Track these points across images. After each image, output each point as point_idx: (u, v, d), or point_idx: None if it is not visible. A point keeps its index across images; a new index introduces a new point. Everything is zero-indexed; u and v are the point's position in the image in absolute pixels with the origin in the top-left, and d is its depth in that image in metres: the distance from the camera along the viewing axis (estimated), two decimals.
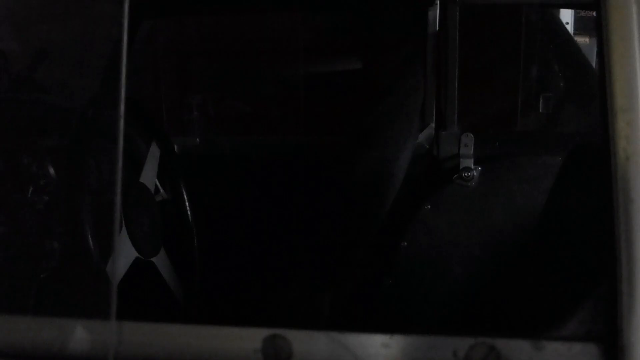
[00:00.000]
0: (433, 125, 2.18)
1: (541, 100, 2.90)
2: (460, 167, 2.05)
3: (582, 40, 3.06)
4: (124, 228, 1.73)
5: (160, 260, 1.92)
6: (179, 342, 0.92)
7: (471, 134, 2.08)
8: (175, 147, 2.22)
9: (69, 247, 1.58)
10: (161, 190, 2.01)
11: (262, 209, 2.33)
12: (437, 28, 2.12)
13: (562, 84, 2.57)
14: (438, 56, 2.13)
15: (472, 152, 2.06)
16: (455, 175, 2.05)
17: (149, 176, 1.94)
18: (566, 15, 2.95)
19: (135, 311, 0.95)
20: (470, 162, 2.05)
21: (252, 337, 0.90)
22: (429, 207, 2.05)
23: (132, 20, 1.97)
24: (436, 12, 2.11)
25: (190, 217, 2.07)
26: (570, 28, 2.98)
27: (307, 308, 1.96)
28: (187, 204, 2.07)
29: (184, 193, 2.07)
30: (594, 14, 0.94)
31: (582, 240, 1.33)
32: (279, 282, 2.08)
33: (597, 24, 0.91)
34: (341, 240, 2.19)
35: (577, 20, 2.99)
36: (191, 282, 2.06)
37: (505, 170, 2.04)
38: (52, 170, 1.65)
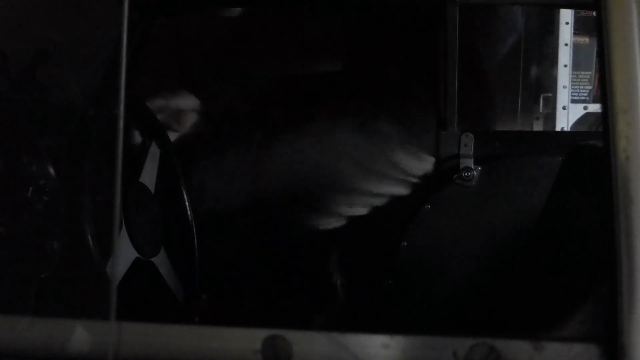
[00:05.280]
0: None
1: (541, 100, 2.91)
2: (460, 167, 2.05)
3: (582, 40, 3.06)
4: (124, 228, 1.73)
5: (160, 260, 1.92)
6: (179, 343, 0.92)
7: (471, 134, 2.09)
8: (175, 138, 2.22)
9: (69, 247, 1.58)
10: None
11: (262, 208, 2.33)
12: (437, 28, 2.13)
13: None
14: (438, 56, 2.13)
15: (472, 152, 2.06)
16: (455, 175, 2.05)
17: (149, 176, 1.93)
18: (566, 15, 2.95)
19: (135, 311, 0.95)
20: (470, 162, 2.05)
21: (251, 338, 0.90)
22: (429, 207, 2.05)
23: (145, 21, 1.96)
24: (436, 12, 2.11)
25: (190, 217, 2.07)
26: (570, 28, 2.98)
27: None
28: (187, 203, 2.07)
29: (184, 193, 2.07)
30: (594, 14, 0.94)
31: (582, 240, 1.33)
32: (280, 283, 2.09)
33: (597, 24, 0.91)
34: (343, 239, 2.19)
35: (577, 20, 2.99)
36: (191, 282, 2.06)
37: (505, 170, 2.04)
38: (52, 170, 1.64)
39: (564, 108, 2.99)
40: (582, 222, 1.37)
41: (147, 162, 1.93)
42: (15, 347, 0.94)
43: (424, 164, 2.16)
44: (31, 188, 1.62)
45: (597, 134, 2.19)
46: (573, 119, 3.06)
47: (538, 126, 2.95)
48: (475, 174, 2.04)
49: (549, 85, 2.97)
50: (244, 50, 2.47)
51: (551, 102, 2.96)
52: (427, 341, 0.89)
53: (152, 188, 1.94)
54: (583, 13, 2.96)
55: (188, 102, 2.49)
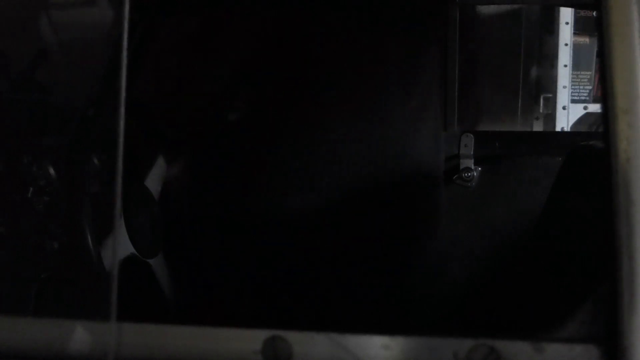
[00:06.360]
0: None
1: (541, 101, 2.91)
2: (460, 168, 2.05)
3: (582, 40, 3.06)
4: (124, 228, 1.73)
5: (159, 262, 1.92)
6: (179, 344, 0.92)
7: (471, 134, 2.08)
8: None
9: (69, 247, 1.58)
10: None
11: (263, 209, 2.33)
12: (437, 28, 2.13)
13: None
14: (439, 56, 2.13)
15: (472, 152, 2.06)
16: (455, 176, 2.05)
17: (152, 186, 1.93)
18: (566, 15, 2.95)
19: (135, 312, 0.95)
20: (470, 163, 2.05)
21: (252, 339, 0.90)
22: None
23: (145, 21, 1.97)
24: (436, 12, 2.11)
25: (190, 218, 2.07)
26: (570, 28, 2.98)
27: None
28: (187, 204, 2.07)
29: (184, 193, 2.07)
30: (594, 14, 0.94)
31: (582, 241, 1.33)
32: (281, 284, 2.08)
33: (597, 24, 0.91)
34: (343, 241, 2.19)
35: (577, 20, 2.99)
36: (191, 283, 2.06)
37: (505, 170, 2.04)
38: (52, 170, 1.65)
39: (564, 108, 2.98)
40: (582, 222, 1.37)
41: (152, 172, 1.93)
42: (15, 347, 0.94)
43: (423, 164, 2.16)
44: (31, 188, 1.62)
45: (597, 134, 2.19)
46: (573, 119, 3.05)
47: (538, 126, 2.95)
48: (475, 174, 2.04)
49: (549, 85, 2.97)
50: (245, 50, 2.47)
51: (551, 102, 2.96)
52: (427, 342, 0.89)
53: (156, 195, 1.94)
54: (583, 13, 2.96)
55: (189, 102, 2.49)
